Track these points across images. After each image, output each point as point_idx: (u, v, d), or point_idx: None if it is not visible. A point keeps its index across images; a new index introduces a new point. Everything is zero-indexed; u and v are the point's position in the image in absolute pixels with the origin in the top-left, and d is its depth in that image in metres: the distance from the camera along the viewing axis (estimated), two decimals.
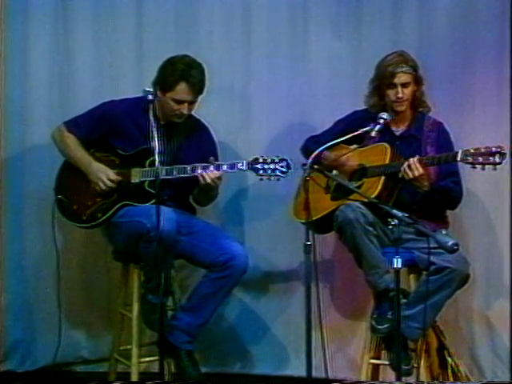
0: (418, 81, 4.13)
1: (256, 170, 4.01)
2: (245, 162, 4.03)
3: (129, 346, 4.21)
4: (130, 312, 4.22)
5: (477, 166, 3.79)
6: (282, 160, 3.99)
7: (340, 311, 4.61)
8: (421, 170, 3.89)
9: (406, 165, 3.91)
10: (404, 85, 4.09)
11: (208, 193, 4.15)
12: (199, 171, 4.03)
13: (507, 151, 3.75)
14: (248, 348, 4.63)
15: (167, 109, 4.11)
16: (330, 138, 4.08)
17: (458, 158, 3.84)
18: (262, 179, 4.02)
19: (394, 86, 4.09)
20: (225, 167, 4.05)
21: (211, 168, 4.02)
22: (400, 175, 3.98)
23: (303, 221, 3.68)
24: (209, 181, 4.00)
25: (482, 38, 4.49)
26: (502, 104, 4.47)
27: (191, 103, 4.10)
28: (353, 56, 4.57)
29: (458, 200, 4.13)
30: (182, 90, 4.05)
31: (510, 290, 4.37)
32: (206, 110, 4.28)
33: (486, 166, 3.77)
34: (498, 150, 3.76)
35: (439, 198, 4.06)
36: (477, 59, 4.50)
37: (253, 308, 4.66)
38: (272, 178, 3.99)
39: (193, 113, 4.19)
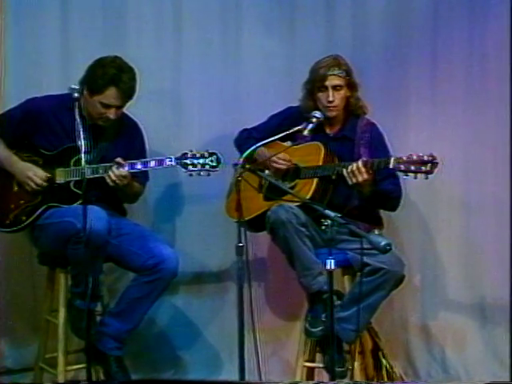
0: (351, 86, 4.10)
1: (185, 166, 3.96)
2: (173, 157, 3.98)
3: (55, 354, 4.13)
4: (56, 318, 4.14)
5: (409, 174, 3.77)
6: (211, 154, 3.96)
7: (274, 313, 4.60)
8: (365, 175, 3.88)
9: (349, 169, 3.89)
10: (336, 88, 4.06)
11: (122, 192, 4.07)
12: (126, 169, 3.97)
13: (439, 160, 3.74)
14: (180, 353, 4.58)
15: (93, 111, 4.03)
16: (264, 132, 4.09)
17: (390, 166, 3.82)
18: (191, 175, 3.97)
19: (326, 88, 4.06)
20: (152, 163, 3.98)
21: (138, 166, 3.96)
22: (332, 177, 3.98)
23: (236, 220, 3.65)
24: (112, 179, 3.93)
25: (415, 39, 4.51)
26: (436, 104, 4.52)
27: (119, 108, 4.03)
28: (286, 54, 4.56)
29: (398, 201, 4.10)
30: (110, 94, 3.97)
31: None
32: (135, 111, 4.22)
33: (418, 175, 3.77)
34: (430, 159, 3.75)
35: (379, 200, 4.04)
36: (411, 59, 4.52)
37: (184, 312, 4.61)
38: (202, 173, 3.96)
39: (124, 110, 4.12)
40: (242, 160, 3.74)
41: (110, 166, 3.98)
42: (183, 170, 3.98)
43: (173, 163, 3.97)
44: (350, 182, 3.91)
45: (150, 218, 4.56)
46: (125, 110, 4.11)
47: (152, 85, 4.42)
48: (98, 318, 4.12)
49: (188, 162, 3.96)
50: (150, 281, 4.00)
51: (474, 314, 4.54)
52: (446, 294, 4.55)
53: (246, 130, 4.29)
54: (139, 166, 3.98)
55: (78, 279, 4.00)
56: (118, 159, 3.97)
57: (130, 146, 4.12)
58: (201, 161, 3.95)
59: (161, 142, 4.41)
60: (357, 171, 3.88)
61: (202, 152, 3.96)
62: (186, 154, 3.98)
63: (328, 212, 3.48)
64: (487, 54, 4.50)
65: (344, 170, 3.91)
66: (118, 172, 3.93)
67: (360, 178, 3.89)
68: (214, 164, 3.94)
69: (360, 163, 3.88)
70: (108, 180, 3.95)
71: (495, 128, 4.51)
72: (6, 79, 4.32)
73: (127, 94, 3.99)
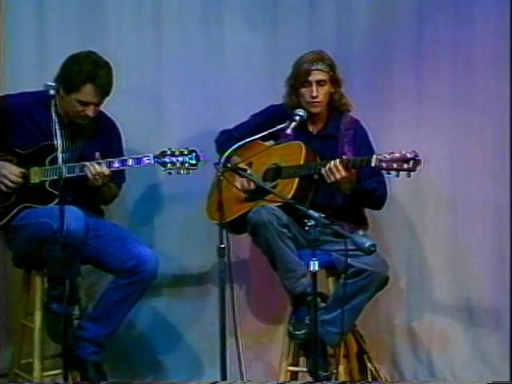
0: (334, 81, 4.08)
1: (164, 164, 3.92)
2: (151, 155, 3.94)
3: (31, 360, 4.07)
4: (32, 322, 4.08)
5: (391, 172, 3.75)
6: (191, 152, 3.92)
7: (257, 316, 4.57)
8: (343, 173, 3.85)
9: (327, 168, 3.87)
10: (319, 83, 4.04)
11: (98, 192, 4.03)
12: (115, 165, 3.95)
13: (422, 158, 3.71)
14: (160, 357, 4.54)
15: (71, 109, 3.98)
16: (245, 132, 4.06)
17: (372, 164, 3.79)
18: (170, 173, 3.94)
19: (309, 83, 4.03)
20: (130, 162, 3.94)
21: (116, 164, 3.93)
22: (315, 176, 3.96)
23: (217, 222, 3.64)
24: (92, 173, 3.89)
25: (400, 36, 4.51)
26: (422, 102, 4.51)
27: (97, 105, 3.97)
28: (269, 50, 4.53)
29: (383, 199, 4.08)
30: (87, 91, 3.91)
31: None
32: (114, 108, 4.17)
33: (401, 173, 3.74)
34: (413, 156, 3.71)
35: (363, 198, 4.03)
36: (396, 56, 4.52)
37: (165, 315, 4.57)
38: (181, 171, 3.92)
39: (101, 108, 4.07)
40: (223, 159, 3.71)
41: (87, 166, 3.94)
42: (162, 168, 3.94)
43: (151, 162, 3.93)
44: (328, 181, 3.89)
45: (129, 219, 4.52)
46: (103, 107, 4.06)
47: (131, 81, 4.40)
48: (76, 322, 4.07)
49: (167, 160, 3.93)
50: (129, 283, 3.96)
51: (460, 315, 4.53)
52: (432, 295, 4.55)
53: (226, 131, 4.27)
54: (117, 165, 3.94)
55: (54, 282, 3.94)
56: (97, 155, 3.92)
57: (107, 145, 4.07)
58: (180, 159, 3.91)
59: (140, 140, 4.37)
60: (334, 169, 3.86)
61: (181, 150, 3.93)
62: (165, 152, 3.94)
63: (311, 212, 3.45)
64: (473, 51, 4.50)
65: (322, 169, 3.90)
66: (99, 169, 3.90)
67: (338, 176, 3.87)
68: (194, 162, 3.90)
69: (337, 161, 3.86)
70: (89, 174, 3.90)
71: (482, 127, 4.52)
72: None
73: (104, 89, 3.95)
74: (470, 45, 4.48)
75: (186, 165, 3.90)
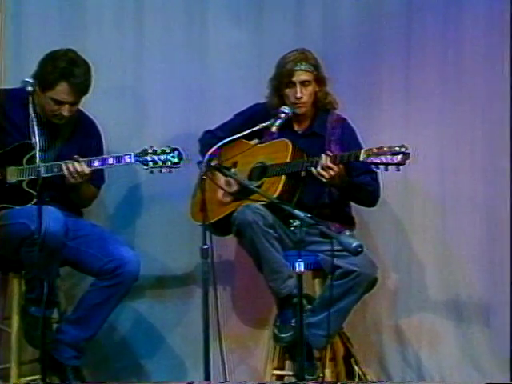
0: (319, 81, 4.06)
1: (145, 163, 3.90)
2: (132, 154, 3.91)
3: (8, 365, 4.04)
4: (9, 326, 4.05)
5: (380, 166, 3.75)
6: (173, 150, 3.90)
7: (242, 318, 4.54)
8: (336, 169, 3.84)
9: (318, 169, 3.85)
10: (303, 83, 4.01)
11: (77, 193, 3.98)
12: (95, 164, 3.92)
13: (410, 151, 3.71)
14: (142, 361, 4.51)
15: (46, 108, 3.95)
16: (229, 132, 4.02)
17: (361, 158, 3.79)
18: (152, 172, 3.92)
19: (293, 84, 4.01)
20: (111, 160, 3.91)
21: (96, 163, 3.90)
22: (301, 174, 3.93)
23: (200, 223, 3.60)
24: (70, 171, 3.85)
25: (388, 32, 4.49)
26: (410, 99, 4.50)
27: (73, 104, 3.94)
28: (254, 46, 4.51)
29: (376, 195, 4.07)
30: (62, 90, 3.89)
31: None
32: (94, 107, 4.14)
33: (390, 167, 3.73)
34: (402, 149, 3.71)
35: (357, 193, 4.02)
36: (383, 53, 4.50)
37: (147, 317, 4.54)
38: (163, 170, 3.89)
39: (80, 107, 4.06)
40: (206, 158, 3.66)
41: (66, 164, 3.90)
42: (143, 167, 3.91)
43: (132, 160, 3.90)
44: (323, 180, 3.88)
45: (109, 220, 4.49)
46: (82, 106, 4.03)
47: (112, 80, 4.38)
48: (55, 326, 4.04)
49: (148, 158, 3.89)
50: (109, 285, 3.93)
51: (449, 316, 4.50)
52: (421, 296, 4.52)
53: (209, 131, 4.24)
54: (97, 164, 3.91)
55: (32, 284, 3.90)
56: (76, 157, 3.89)
57: (87, 145, 4.05)
58: (162, 157, 3.88)
59: (121, 140, 4.34)
60: (326, 168, 3.85)
61: (163, 148, 3.90)
62: (146, 150, 3.91)
63: (297, 212, 3.43)
64: (463, 47, 4.49)
65: (314, 170, 3.88)
66: (79, 168, 3.86)
67: (332, 173, 3.85)
68: (176, 160, 3.88)
69: (328, 160, 3.85)
70: (65, 172, 3.86)
71: (472, 124, 4.50)
72: None
73: (80, 89, 3.91)
74: (460, 40, 4.46)
75: (168, 163, 3.88)
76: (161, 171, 3.89)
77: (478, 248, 4.48)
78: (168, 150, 3.88)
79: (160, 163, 3.88)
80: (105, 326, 4.05)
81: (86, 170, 3.86)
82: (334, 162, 3.84)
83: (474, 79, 4.47)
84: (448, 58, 4.48)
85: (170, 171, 3.89)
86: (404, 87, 4.50)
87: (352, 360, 4.11)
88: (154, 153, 3.89)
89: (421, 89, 4.48)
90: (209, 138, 4.15)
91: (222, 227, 4.01)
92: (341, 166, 3.85)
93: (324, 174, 3.85)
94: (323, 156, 3.86)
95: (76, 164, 3.85)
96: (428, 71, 4.48)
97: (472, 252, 4.49)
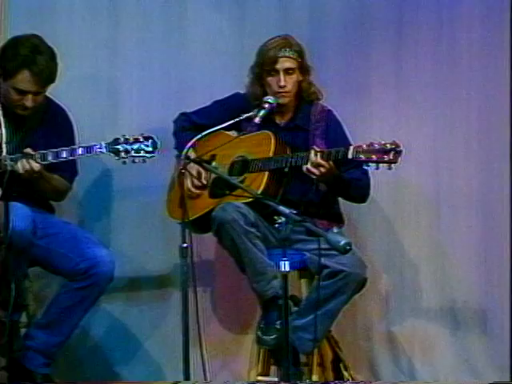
0: (303, 69, 4.00)
1: (117, 152, 3.82)
2: (103, 143, 3.84)
3: None
4: None
5: (370, 164, 3.70)
6: (146, 138, 3.82)
7: (223, 322, 4.47)
8: (327, 166, 3.78)
9: (308, 166, 3.79)
10: (287, 71, 3.95)
11: (40, 188, 3.88)
12: (49, 158, 3.82)
13: (403, 148, 3.65)
14: (117, 368, 4.43)
15: (8, 98, 3.87)
16: (205, 118, 4.03)
17: (350, 156, 3.73)
18: (125, 162, 3.84)
19: (276, 72, 3.94)
20: (80, 151, 3.84)
21: (64, 154, 3.81)
22: (284, 169, 3.86)
23: (179, 220, 3.55)
24: (21, 170, 3.75)
25: (378, 18, 4.42)
26: (401, 89, 4.43)
27: (36, 94, 3.86)
28: (235, 32, 4.45)
29: (367, 190, 4.01)
30: (23, 78, 3.81)
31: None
32: (65, 96, 4.08)
33: (381, 165, 3.68)
34: (393, 147, 3.65)
35: (347, 189, 3.96)
36: (373, 40, 4.43)
37: (122, 321, 4.46)
38: (137, 160, 3.82)
39: (50, 96, 4.00)
40: (185, 151, 3.62)
41: (33, 157, 3.81)
42: (115, 157, 3.84)
43: (103, 150, 3.82)
44: (313, 177, 3.82)
45: (81, 216, 4.43)
46: (53, 95, 3.96)
47: (85, 67, 4.34)
48: (23, 331, 3.99)
49: (120, 148, 3.81)
50: (82, 287, 3.88)
51: (444, 321, 4.44)
52: (413, 299, 4.46)
53: (184, 113, 4.16)
54: (65, 155, 3.82)
55: None
56: (27, 150, 3.79)
57: (57, 136, 3.97)
58: (135, 146, 3.81)
59: (95, 131, 4.25)
60: (316, 165, 3.78)
61: (135, 136, 3.82)
62: (118, 139, 3.83)
63: (282, 208, 3.38)
64: (457, 33, 4.42)
65: (303, 167, 3.82)
66: (27, 165, 3.76)
67: (323, 170, 3.79)
68: (150, 149, 3.80)
69: (318, 157, 3.79)
70: (19, 168, 3.77)
71: (467, 116, 4.43)
72: None
73: (43, 78, 3.83)
74: (455, 26, 4.41)
75: (142, 153, 3.80)
76: (134, 161, 3.82)
77: (474, 247, 4.42)
78: (141, 139, 3.81)
79: (133, 152, 3.80)
80: (77, 331, 4.01)
81: (35, 166, 3.75)
82: (326, 161, 3.78)
83: (469, 66, 4.41)
84: (442, 46, 4.41)
85: (144, 161, 3.81)
86: (395, 76, 4.44)
87: (341, 365, 4.06)
88: (126, 142, 3.81)
89: (413, 76, 4.42)
90: (182, 121, 4.12)
91: (202, 224, 3.93)
92: (331, 162, 3.79)
93: (314, 171, 3.79)
94: (312, 152, 3.79)
95: (24, 161, 3.75)
96: (421, 59, 4.41)
97: (468, 251, 4.43)
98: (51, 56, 3.83)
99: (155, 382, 4.29)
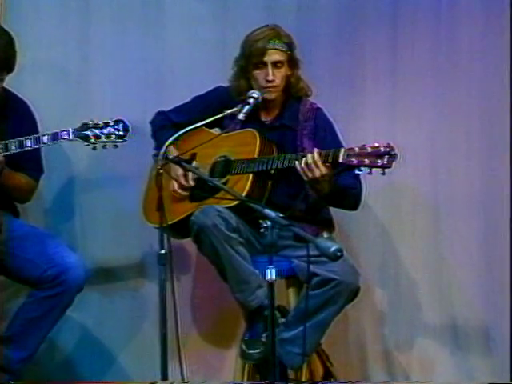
0: (292, 62, 3.90)
1: (86, 138, 3.75)
2: (70, 129, 3.77)
3: None
4: None
5: (362, 168, 3.60)
6: (117, 122, 3.76)
7: (205, 335, 4.38)
8: (323, 170, 3.66)
9: (304, 162, 3.69)
10: (276, 64, 3.85)
11: (2, 184, 3.77)
12: (13, 148, 3.73)
13: (397, 151, 3.55)
14: None
15: None
16: (184, 116, 3.94)
17: (340, 159, 3.63)
18: (95, 148, 3.76)
19: (264, 65, 3.85)
20: (45, 139, 3.75)
21: (28, 143, 3.72)
22: (272, 171, 3.78)
23: (156, 225, 3.47)
24: None
25: (373, 8, 4.33)
26: (397, 85, 4.34)
27: None
28: (218, 22, 4.35)
29: (360, 197, 3.90)
30: None
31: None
32: (31, 88, 4.07)
33: (374, 170, 3.60)
34: (388, 150, 3.55)
35: (340, 197, 3.85)
36: (368, 32, 4.34)
37: (94, 333, 4.36)
38: (108, 145, 3.75)
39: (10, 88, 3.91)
40: (163, 150, 3.49)
41: None
42: (84, 143, 3.77)
43: (70, 137, 3.75)
44: (305, 178, 3.70)
45: (47, 217, 4.35)
46: (15, 88, 3.89)
47: (53, 56, 4.28)
48: None
49: (89, 133, 3.74)
50: (50, 295, 3.78)
51: (444, 336, 4.35)
52: (410, 311, 4.36)
53: (162, 112, 4.08)
54: (29, 144, 3.74)
55: None
56: None
57: (19, 128, 3.85)
58: (105, 130, 3.74)
59: (65, 126, 4.01)
60: (313, 165, 3.66)
61: (105, 120, 3.75)
62: (87, 123, 3.76)
63: (268, 212, 3.23)
64: (457, 23, 4.31)
65: (297, 164, 3.69)
66: None
67: (318, 173, 3.66)
68: (122, 133, 3.73)
69: (317, 155, 3.68)
70: None
71: (468, 113, 4.33)
72: None
73: (0, 66, 3.74)
74: (454, 15, 4.31)
75: (113, 137, 3.74)
76: (105, 146, 3.75)
77: (476, 254, 4.32)
78: (111, 123, 3.74)
79: (103, 138, 3.74)
80: (44, 345, 3.91)
81: None
82: (324, 164, 3.66)
83: (470, 59, 4.30)
84: (440, 36, 4.33)
85: (115, 146, 3.74)
86: (390, 72, 4.35)
87: (332, 380, 3.95)
88: (96, 126, 3.74)
89: (410, 74, 4.32)
90: (160, 120, 4.03)
91: (182, 229, 3.82)
92: (328, 165, 3.67)
93: (308, 172, 3.65)
94: (309, 154, 3.69)
95: None
96: (418, 52, 4.32)
97: (469, 259, 4.33)
98: (7, 41, 3.73)
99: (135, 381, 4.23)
